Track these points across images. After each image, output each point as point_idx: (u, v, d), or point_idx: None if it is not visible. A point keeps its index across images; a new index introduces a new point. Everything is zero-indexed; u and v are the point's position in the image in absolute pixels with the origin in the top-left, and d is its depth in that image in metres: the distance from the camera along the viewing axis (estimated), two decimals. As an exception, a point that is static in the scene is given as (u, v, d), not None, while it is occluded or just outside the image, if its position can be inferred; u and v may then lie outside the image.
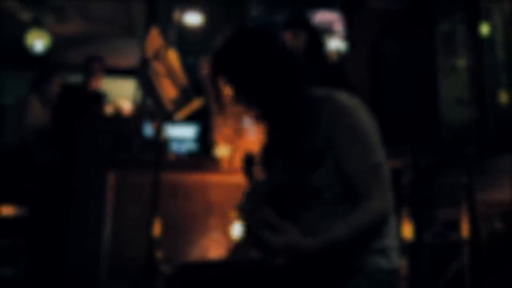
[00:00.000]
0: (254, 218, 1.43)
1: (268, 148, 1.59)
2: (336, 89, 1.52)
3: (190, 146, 3.97)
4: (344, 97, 1.49)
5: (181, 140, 3.96)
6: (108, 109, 4.19)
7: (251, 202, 1.53)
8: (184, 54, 4.18)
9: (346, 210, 1.43)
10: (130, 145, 3.69)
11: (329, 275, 1.43)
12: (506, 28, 3.63)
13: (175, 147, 3.93)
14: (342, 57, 3.96)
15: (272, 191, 1.54)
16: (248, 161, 1.62)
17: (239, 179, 1.64)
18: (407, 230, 3.13)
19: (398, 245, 1.51)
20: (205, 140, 3.85)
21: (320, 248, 1.36)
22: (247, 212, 1.49)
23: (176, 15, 5.01)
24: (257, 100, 1.50)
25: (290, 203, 1.51)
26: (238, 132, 1.58)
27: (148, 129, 3.77)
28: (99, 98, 4.32)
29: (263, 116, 1.51)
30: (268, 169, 1.59)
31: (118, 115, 4.10)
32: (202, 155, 3.74)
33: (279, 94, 1.48)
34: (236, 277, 1.51)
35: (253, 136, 1.55)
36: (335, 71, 3.43)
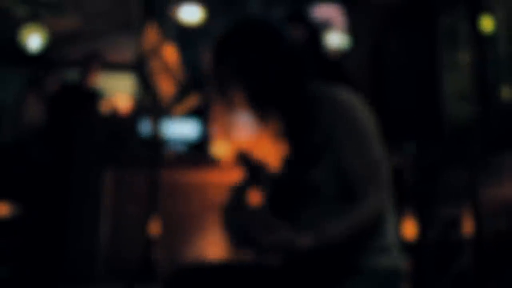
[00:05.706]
0: (243, 215, 1.42)
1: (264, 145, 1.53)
2: (335, 85, 1.50)
3: (189, 144, 3.93)
4: (344, 94, 1.48)
5: (180, 138, 3.92)
6: (105, 106, 4.16)
7: (239, 199, 1.52)
8: (182, 49, 4.17)
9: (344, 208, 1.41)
10: (127, 142, 3.67)
11: (327, 275, 1.42)
12: (510, 21, 3.59)
13: (173, 145, 3.88)
14: (342, 52, 3.94)
15: (271, 188, 1.51)
16: (243, 158, 1.57)
17: (240, 177, 1.60)
18: (410, 229, 3.13)
19: (400, 244, 1.49)
20: (204, 138, 3.81)
21: (314, 245, 1.33)
22: (235, 210, 1.48)
23: (174, 9, 4.99)
24: (261, 92, 1.43)
25: (290, 200, 1.48)
26: (232, 126, 1.49)
27: (146, 126, 3.72)
28: (96, 96, 4.32)
29: (265, 109, 1.44)
30: (263, 166, 1.55)
31: (114, 112, 4.07)
32: (202, 153, 3.70)
33: (285, 87, 1.44)
34: (235, 280, 1.48)
35: (246, 130, 1.47)
36: (334, 67, 3.41)
